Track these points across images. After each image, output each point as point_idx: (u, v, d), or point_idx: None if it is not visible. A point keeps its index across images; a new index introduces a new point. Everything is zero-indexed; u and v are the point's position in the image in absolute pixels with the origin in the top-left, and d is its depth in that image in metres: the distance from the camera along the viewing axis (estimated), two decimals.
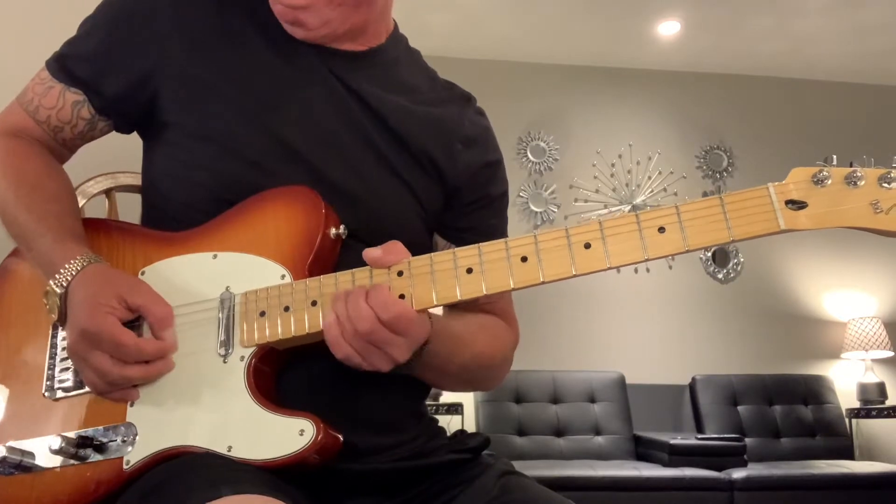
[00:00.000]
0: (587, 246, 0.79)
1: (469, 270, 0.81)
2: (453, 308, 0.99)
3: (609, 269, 0.79)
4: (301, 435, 0.79)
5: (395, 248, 0.84)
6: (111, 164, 1.21)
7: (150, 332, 0.86)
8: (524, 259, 0.81)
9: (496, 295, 0.87)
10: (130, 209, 1.28)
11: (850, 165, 0.76)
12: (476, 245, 0.82)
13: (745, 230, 0.77)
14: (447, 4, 4.36)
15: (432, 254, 0.83)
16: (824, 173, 0.76)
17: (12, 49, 1.69)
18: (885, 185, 0.75)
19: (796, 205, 0.76)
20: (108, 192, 1.30)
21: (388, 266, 0.83)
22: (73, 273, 0.86)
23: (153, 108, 0.97)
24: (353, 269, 0.84)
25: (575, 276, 0.79)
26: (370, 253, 0.83)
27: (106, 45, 0.97)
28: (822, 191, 0.76)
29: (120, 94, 0.97)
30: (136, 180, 1.32)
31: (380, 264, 0.83)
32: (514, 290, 0.81)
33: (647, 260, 0.78)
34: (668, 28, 4.67)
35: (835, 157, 0.77)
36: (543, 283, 0.80)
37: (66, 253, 0.88)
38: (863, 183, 0.75)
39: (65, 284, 0.85)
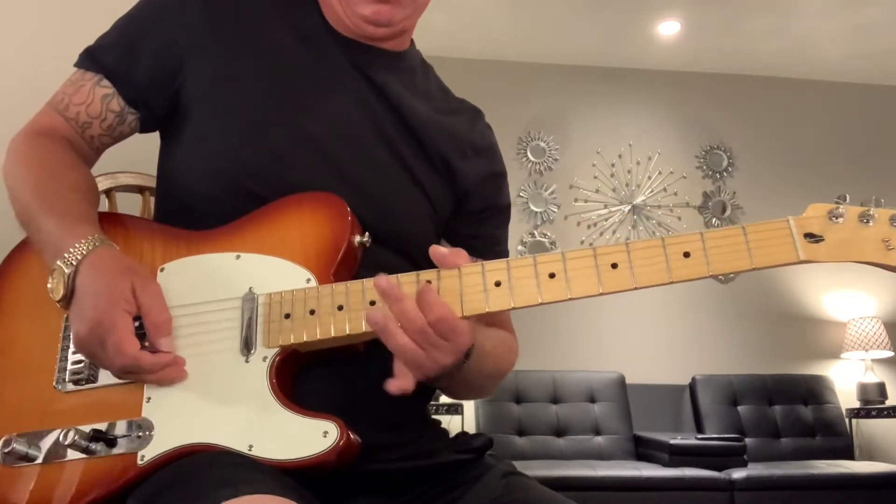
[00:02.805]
0: (614, 266, 0.82)
1: (497, 284, 0.83)
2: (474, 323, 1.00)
3: (635, 289, 0.81)
4: (325, 437, 0.79)
5: (461, 253, 0.85)
6: (111, 164, 1.21)
7: (148, 336, 0.85)
8: (552, 275, 0.82)
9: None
10: (130, 209, 1.28)
11: (862, 205, 0.81)
12: (504, 260, 0.84)
13: (766, 259, 0.80)
14: (447, 4, 4.36)
15: (461, 265, 0.84)
16: (840, 210, 0.81)
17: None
18: None
19: (814, 238, 0.80)
20: (108, 192, 1.30)
21: (452, 267, 0.83)
22: (84, 252, 0.85)
23: (178, 100, 0.98)
24: (380, 275, 0.84)
25: (601, 294, 0.82)
26: (437, 250, 0.83)
27: (136, 36, 0.99)
28: (837, 226, 0.81)
29: (148, 84, 0.98)
30: (136, 180, 1.32)
31: (446, 263, 0.83)
32: (541, 304, 0.83)
33: (671, 283, 0.81)
34: (668, 28, 4.67)
35: (848, 196, 0.82)
36: (571, 299, 0.82)
37: (76, 234, 0.87)
38: (874, 222, 0.80)
39: (74, 263, 0.84)
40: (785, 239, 0.80)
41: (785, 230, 0.81)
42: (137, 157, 1.11)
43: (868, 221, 0.80)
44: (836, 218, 0.80)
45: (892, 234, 0.79)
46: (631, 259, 0.81)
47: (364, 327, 0.82)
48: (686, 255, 0.81)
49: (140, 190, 1.34)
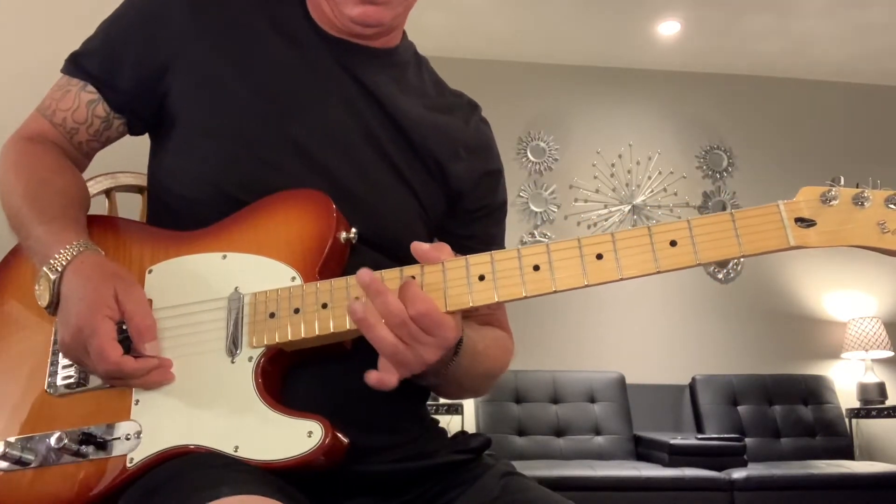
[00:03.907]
0: (599, 257, 0.80)
1: (481, 278, 0.82)
2: (466, 321, 1.00)
3: (621, 280, 0.80)
4: (309, 437, 0.78)
5: (443, 247, 0.84)
6: (111, 164, 1.21)
7: (132, 341, 0.84)
8: (536, 268, 0.81)
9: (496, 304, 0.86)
10: (130, 209, 1.28)
11: (857, 186, 0.78)
12: (488, 253, 0.82)
13: (756, 246, 0.79)
14: (447, 4, 4.36)
15: (445, 260, 0.83)
16: (833, 193, 0.78)
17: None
18: (892, 206, 0.77)
19: (805, 223, 0.78)
20: (108, 192, 1.30)
21: (435, 262, 0.82)
22: (68, 258, 0.85)
23: (164, 105, 0.98)
24: (363, 268, 0.84)
25: (587, 286, 0.80)
26: (419, 246, 0.83)
27: (119, 41, 0.98)
28: (830, 210, 0.78)
29: (133, 89, 0.98)
30: (136, 180, 1.32)
31: (427, 258, 0.82)
32: (525, 298, 0.81)
33: (658, 272, 0.79)
34: (668, 28, 4.67)
35: (842, 178, 0.79)
36: (555, 292, 0.81)
37: (62, 239, 0.87)
38: (869, 204, 0.77)
39: (59, 269, 0.85)
40: (775, 224, 0.78)
41: (775, 215, 0.79)
42: (137, 157, 1.11)
43: (862, 204, 0.77)
44: (829, 201, 0.78)
45: (887, 216, 0.77)
46: (616, 249, 0.80)
47: (348, 325, 0.82)
48: (673, 243, 0.79)
49: (140, 190, 1.33)
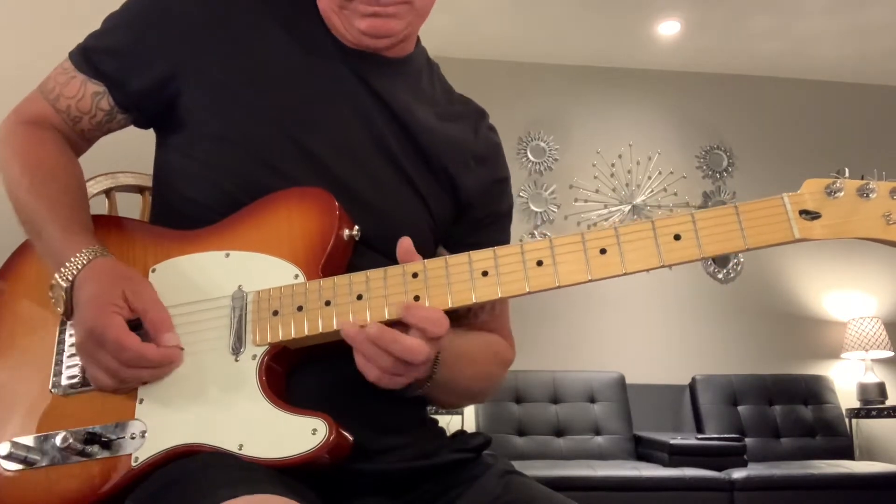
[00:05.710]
0: (603, 251, 0.80)
1: (484, 273, 0.82)
2: (456, 326, 1.00)
3: (624, 274, 0.79)
4: (314, 434, 0.79)
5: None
6: (111, 164, 1.21)
7: (151, 337, 0.85)
8: (539, 263, 0.81)
9: (498, 311, 0.85)
10: (130, 209, 1.28)
11: (862, 178, 0.78)
12: (491, 248, 0.83)
13: (760, 239, 0.78)
14: (447, 4, 4.35)
15: (447, 256, 0.83)
16: (837, 185, 0.78)
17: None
18: None
19: (810, 215, 0.78)
20: (108, 192, 1.30)
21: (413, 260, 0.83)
22: (79, 267, 0.86)
23: (174, 106, 0.98)
24: (367, 271, 0.85)
25: (590, 281, 0.80)
26: (405, 242, 0.84)
27: (132, 42, 0.98)
28: (834, 202, 0.78)
29: (142, 92, 0.98)
30: (136, 180, 1.32)
31: (409, 257, 0.84)
32: (528, 293, 0.81)
33: (662, 266, 0.79)
34: (668, 28, 4.67)
35: (847, 169, 0.78)
36: (559, 287, 0.81)
37: (73, 245, 0.87)
38: (875, 195, 0.77)
39: (70, 278, 0.85)
40: (779, 217, 0.78)
41: (779, 207, 0.78)
42: (137, 157, 1.11)
43: (867, 195, 0.77)
44: (834, 193, 0.77)
45: (893, 208, 0.76)
46: (620, 243, 0.80)
47: (352, 321, 0.82)
48: (677, 237, 0.79)
49: (140, 190, 1.33)
